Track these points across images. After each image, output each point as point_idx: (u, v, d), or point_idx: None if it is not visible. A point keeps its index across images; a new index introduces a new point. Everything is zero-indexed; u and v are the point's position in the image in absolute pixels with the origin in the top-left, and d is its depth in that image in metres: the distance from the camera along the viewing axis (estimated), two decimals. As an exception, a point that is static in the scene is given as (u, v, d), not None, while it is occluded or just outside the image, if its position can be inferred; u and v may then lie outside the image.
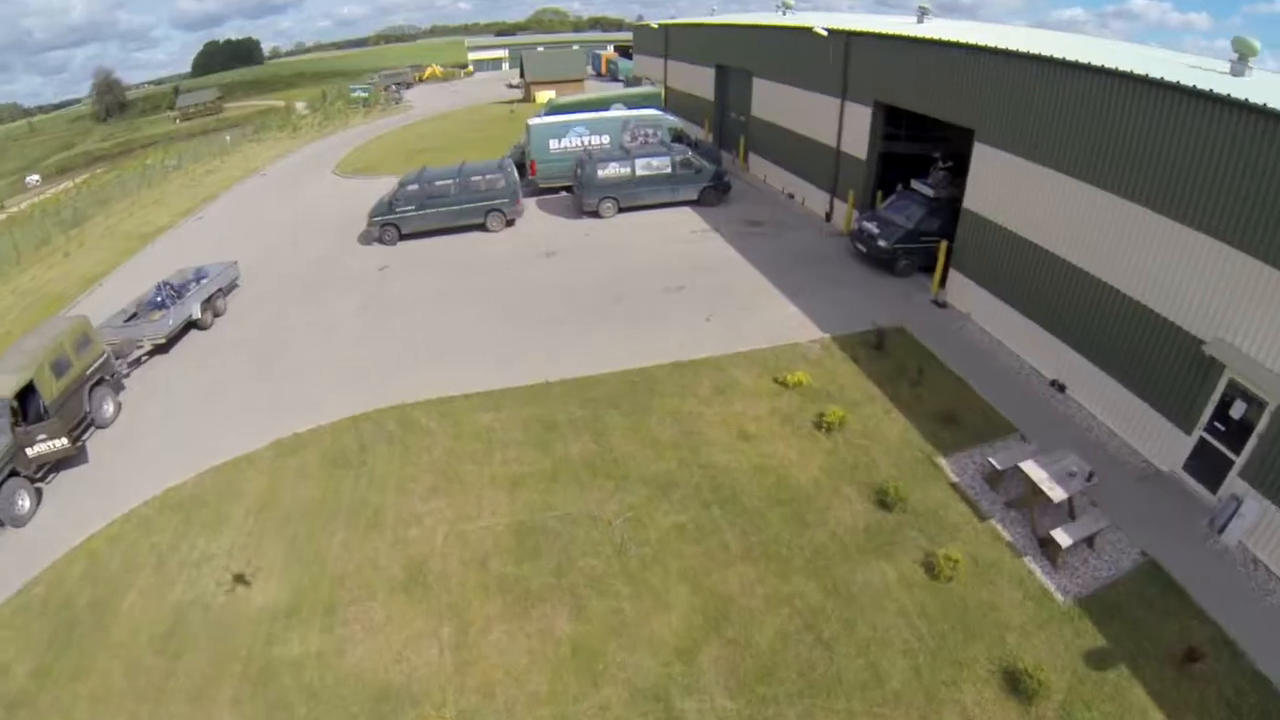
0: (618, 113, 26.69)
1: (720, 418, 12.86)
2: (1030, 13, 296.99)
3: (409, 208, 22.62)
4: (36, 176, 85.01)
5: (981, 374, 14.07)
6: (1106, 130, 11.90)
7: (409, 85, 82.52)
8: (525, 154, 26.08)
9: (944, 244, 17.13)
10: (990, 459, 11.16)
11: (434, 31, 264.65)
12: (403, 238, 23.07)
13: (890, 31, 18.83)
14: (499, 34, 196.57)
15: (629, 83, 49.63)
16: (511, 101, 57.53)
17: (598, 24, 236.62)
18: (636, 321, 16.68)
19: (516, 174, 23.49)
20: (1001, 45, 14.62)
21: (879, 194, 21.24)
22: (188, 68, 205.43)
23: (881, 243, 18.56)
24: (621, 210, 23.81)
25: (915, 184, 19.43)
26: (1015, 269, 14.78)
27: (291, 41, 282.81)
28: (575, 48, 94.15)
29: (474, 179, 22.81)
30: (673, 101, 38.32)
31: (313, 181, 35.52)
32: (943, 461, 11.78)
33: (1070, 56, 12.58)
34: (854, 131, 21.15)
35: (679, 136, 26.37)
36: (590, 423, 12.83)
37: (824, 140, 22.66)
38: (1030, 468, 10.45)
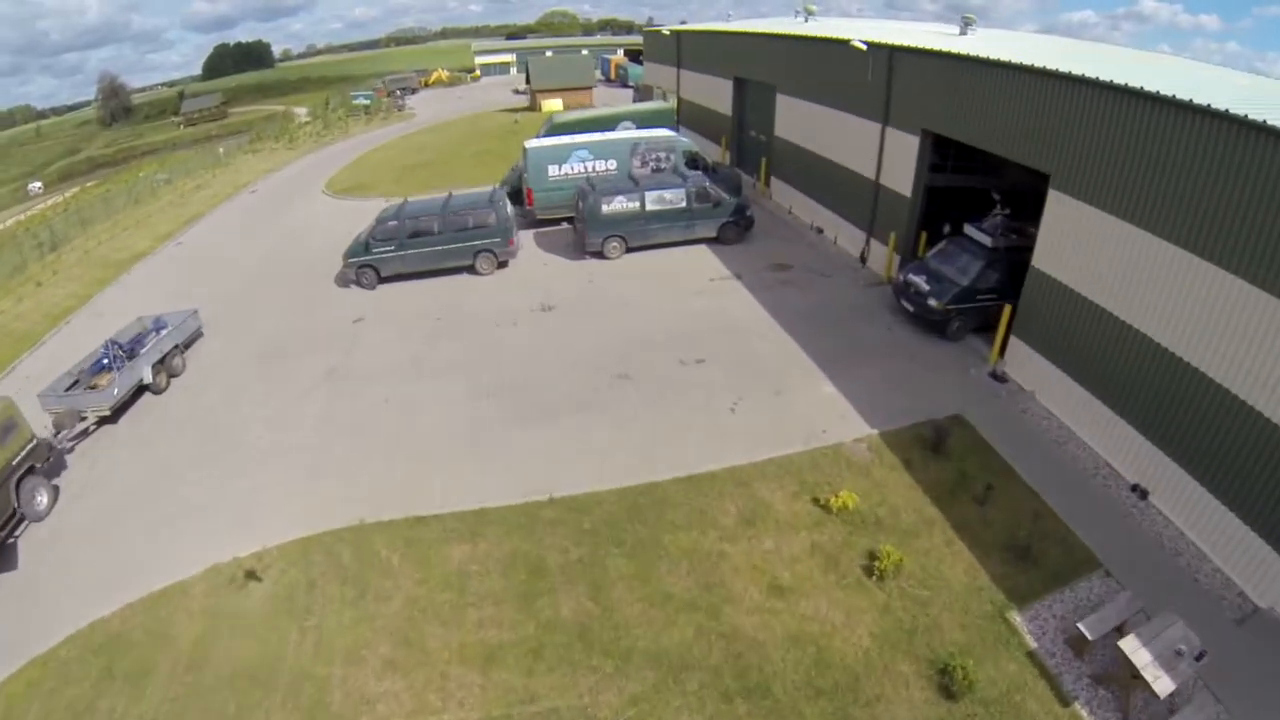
0: (625, 134, 23.79)
1: (748, 561, 10.00)
2: (1040, 15, 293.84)
3: (387, 248, 19.76)
4: (39, 184, 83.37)
5: (1052, 477, 11.52)
6: (1227, 195, 9.20)
7: (414, 91, 80.00)
8: (522, 179, 23.19)
9: (1007, 309, 14.28)
10: (1079, 625, 8.60)
11: (444, 34, 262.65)
12: (383, 280, 20.29)
13: (944, 49, 15.86)
14: (509, 37, 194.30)
15: (638, 89, 46.58)
16: (516, 110, 54.80)
17: (608, 26, 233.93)
18: (646, 410, 13.75)
19: (509, 208, 20.60)
20: (1090, 74, 11.67)
21: (923, 235, 18.31)
22: (199, 70, 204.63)
23: (933, 302, 15.67)
24: (630, 250, 20.91)
25: (969, 229, 16.53)
26: (1093, 344, 12.11)
27: (303, 44, 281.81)
28: (584, 53, 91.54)
29: (461, 215, 19.85)
30: (686, 115, 35.40)
31: (301, 201, 32.97)
32: (1018, 619, 9.20)
33: (1182, 94, 9.69)
34: (896, 163, 18.20)
35: (694, 161, 23.42)
36: (587, 568, 9.97)
37: (860, 170, 19.71)
38: (1130, 647, 8.11)
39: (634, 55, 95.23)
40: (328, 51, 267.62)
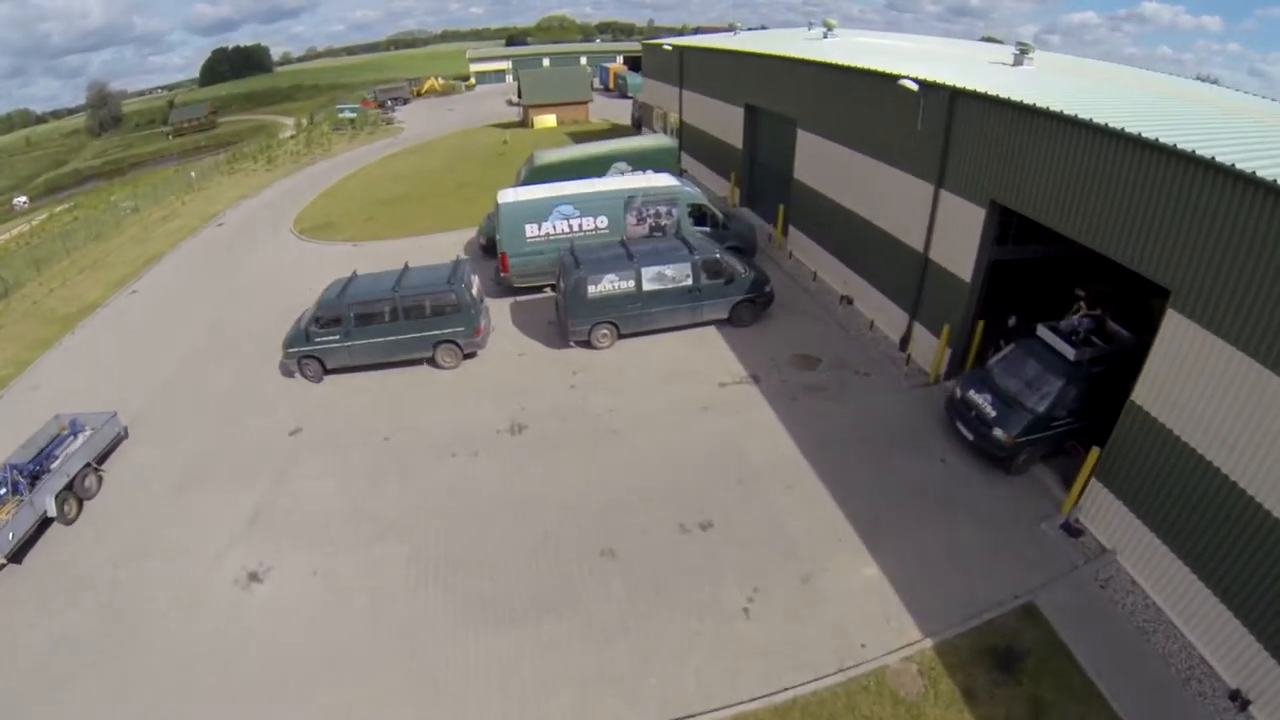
0: (618, 183, 19.56)
1: None
2: (1042, 16, 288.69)
3: (331, 337, 15.95)
4: (24, 198, 79.91)
5: (1144, 696, 8.67)
6: None
7: (405, 101, 76.13)
8: (496, 234, 19.21)
9: (1093, 454, 10.63)
10: None
11: (444, 37, 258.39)
12: (331, 370, 16.57)
13: (1024, 100, 11.94)
14: (509, 41, 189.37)
15: (636, 111, 42.48)
16: (506, 126, 50.82)
17: (608, 29, 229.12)
18: (634, 613, 9.96)
19: (475, 287, 16.67)
20: (1244, 161, 7.89)
21: (980, 325, 14.49)
22: (199, 74, 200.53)
23: (999, 434, 12.01)
24: (623, 335, 17.03)
25: (1045, 333, 12.83)
26: (1201, 513, 9.05)
27: (303, 47, 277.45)
28: (582, 61, 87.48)
29: (417, 298, 15.91)
30: (689, 142, 31.46)
31: (266, 241, 29.26)
32: None
33: None
34: (953, 237, 14.32)
35: (701, 215, 19.42)
36: None
37: (904, 238, 15.83)
38: None
39: (634, 63, 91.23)
40: (328, 54, 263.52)
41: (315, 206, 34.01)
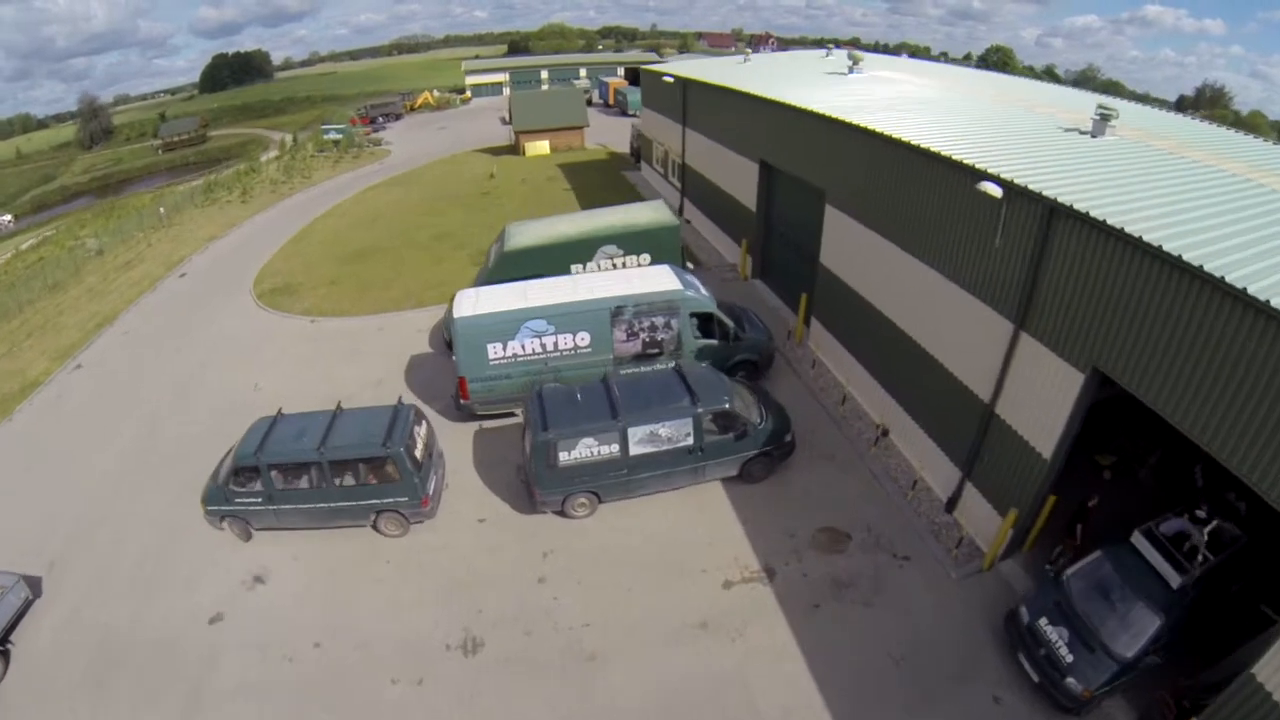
0: (602, 287, 14.74)
1: None
2: (1044, 19, 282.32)
3: (253, 498, 12.23)
4: (8, 217, 76.28)
5: None
6: None
7: (398, 116, 72.04)
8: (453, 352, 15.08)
9: None
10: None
11: (447, 41, 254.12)
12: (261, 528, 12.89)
13: (1155, 244, 7.93)
14: (510, 47, 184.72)
15: (634, 140, 38.14)
16: (497, 151, 46.64)
17: (610, 33, 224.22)
18: None
19: (421, 444, 12.72)
20: None
21: (1051, 500, 10.61)
22: (199, 80, 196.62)
23: (1073, 684, 8.89)
24: (607, 500, 12.89)
25: (1141, 542, 9.78)
26: None
27: (306, 50, 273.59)
28: (582, 73, 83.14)
29: (349, 458, 12.02)
30: (693, 189, 27.39)
31: (222, 305, 25.48)
32: None
33: None
34: (1033, 397, 10.40)
35: (709, 324, 15.26)
36: None
37: (962, 377, 11.85)
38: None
39: (634, 76, 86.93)
40: (330, 59, 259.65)
41: (281, 258, 30.14)
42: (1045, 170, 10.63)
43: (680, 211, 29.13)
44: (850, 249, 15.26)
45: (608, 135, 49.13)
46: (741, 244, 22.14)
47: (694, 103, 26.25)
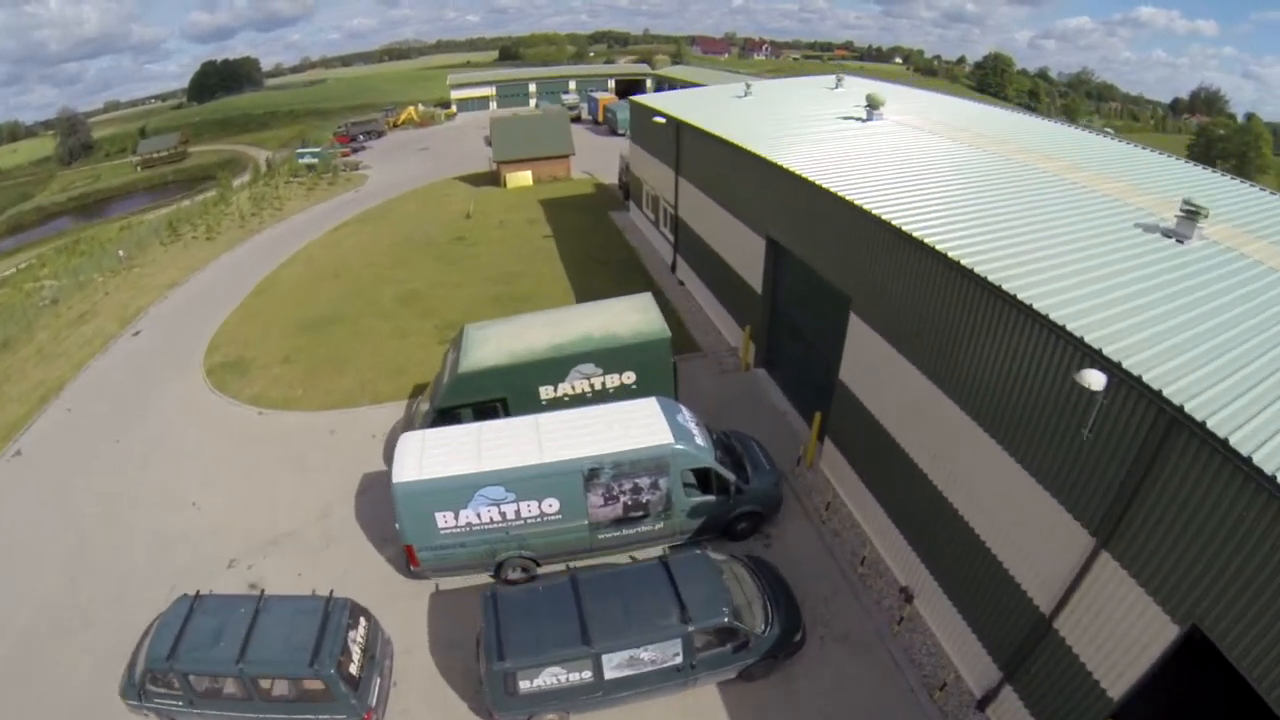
0: (571, 445, 11.53)
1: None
2: (1037, 21, 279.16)
3: (173, 699, 9.82)
4: (-20, 241, 72.75)
5: None
6: None
7: (379, 134, 68.55)
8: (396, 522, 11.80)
9: None
10: None
11: (439, 47, 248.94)
12: None
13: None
14: (501, 54, 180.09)
15: (623, 174, 34.81)
16: (477, 180, 43.24)
17: (603, 38, 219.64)
18: None
19: (358, 656, 9.87)
20: None
21: None
22: (187, 87, 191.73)
23: None
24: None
25: None
26: None
27: (298, 56, 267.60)
28: (571, 85, 79.47)
29: (271, 664, 9.67)
30: (687, 247, 24.25)
31: (171, 380, 22.48)
32: None
33: None
34: (1108, 630, 7.32)
35: (707, 478, 12.11)
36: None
37: (1016, 572, 8.79)
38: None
39: (627, 87, 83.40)
40: (322, 64, 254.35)
41: (238, 318, 26.99)
42: (1142, 325, 7.83)
43: (673, 267, 25.94)
44: (880, 376, 12.11)
45: (596, 159, 45.76)
46: (745, 330, 18.89)
47: (689, 150, 23.03)
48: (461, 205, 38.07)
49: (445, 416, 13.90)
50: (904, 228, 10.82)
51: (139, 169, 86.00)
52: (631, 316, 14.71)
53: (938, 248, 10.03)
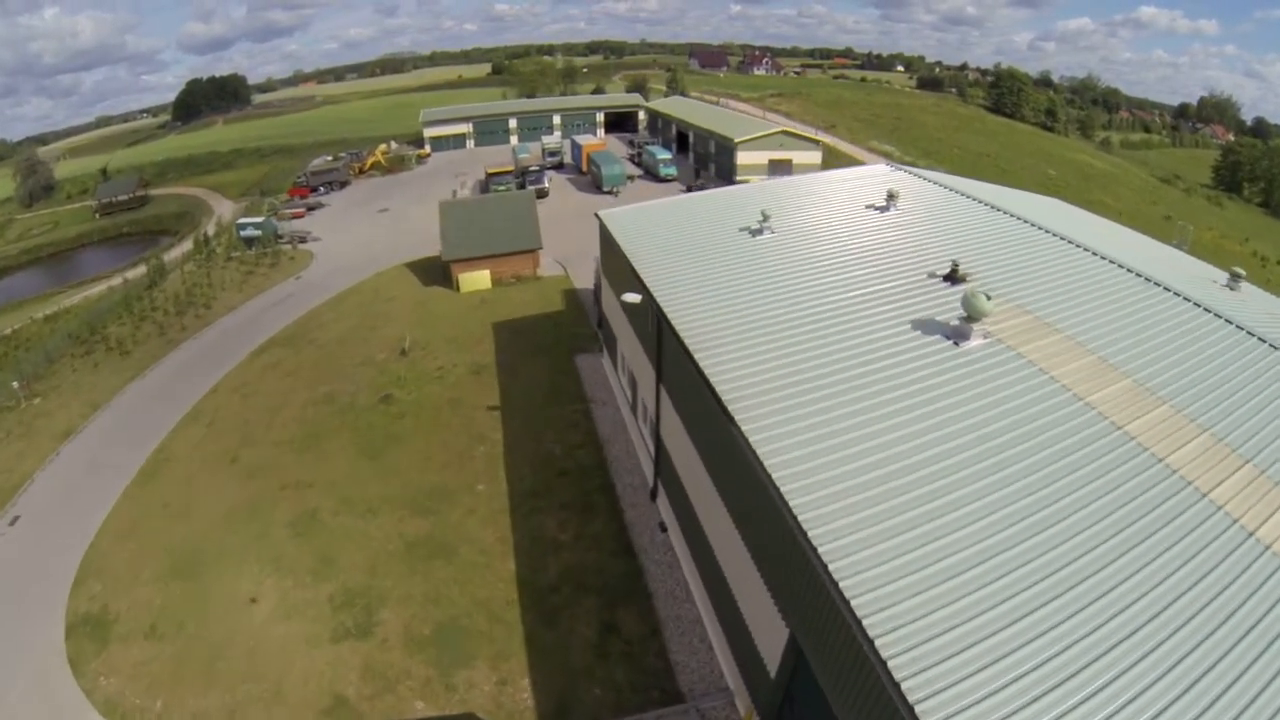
0: None
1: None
2: (1037, 23, 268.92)
3: None
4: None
5: None
6: None
7: (343, 184, 60.72)
8: None
9: None
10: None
11: (433, 59, 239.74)
12: None
13: None
14: (493, 69, 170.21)
15: (598, 289, 26.75)
16: (429, 267, 35.42)
17: (601, 48, 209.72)
18: None
19: None
20: None
21: None
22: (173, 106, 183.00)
23: None
24: None
25: None
26: None
27: (291, 68, 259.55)
28: (555, 120, 71.10)
29: None
30: (672, 489, 16.59)
31: (22, 644, 16.07)
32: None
33: None
34: None
35: None
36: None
37: None
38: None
39: (618, 122, 75.02)
40: (315, 76, 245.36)
41: (115, 527, 20.02)
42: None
43: (653, 495, 18.30)
44: None
45: (574, 232, 37.69)
46: (745, 713, 11.33)
47: (674, 361, 15.13)
48: (401, 324, 30.33)
49: None
50: None
51: (96, 216, 78.30)
52: None
53: None
